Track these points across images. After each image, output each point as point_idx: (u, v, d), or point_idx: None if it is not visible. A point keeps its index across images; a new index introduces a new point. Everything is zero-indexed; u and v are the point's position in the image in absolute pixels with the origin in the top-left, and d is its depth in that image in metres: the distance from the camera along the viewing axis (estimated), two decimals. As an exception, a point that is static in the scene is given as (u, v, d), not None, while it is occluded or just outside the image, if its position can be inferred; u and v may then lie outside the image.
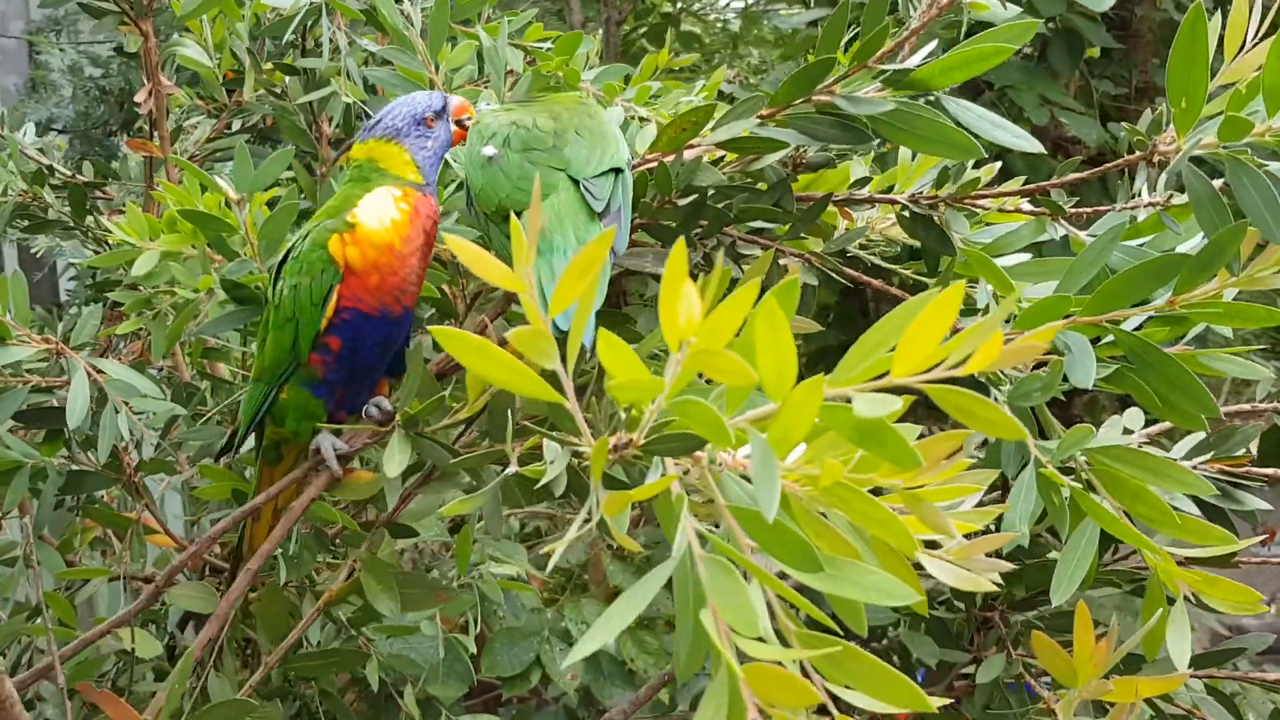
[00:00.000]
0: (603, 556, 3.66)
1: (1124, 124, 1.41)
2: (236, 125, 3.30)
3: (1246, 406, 1.79)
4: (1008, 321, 1.48)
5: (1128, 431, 1.65)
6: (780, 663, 0.86)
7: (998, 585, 1.02)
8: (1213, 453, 1.58)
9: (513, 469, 1.22)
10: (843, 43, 1.44)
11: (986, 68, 1.34)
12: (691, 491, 1.05)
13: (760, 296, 0.88)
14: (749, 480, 1.05)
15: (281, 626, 1.74)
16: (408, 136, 1.62)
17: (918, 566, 1.05)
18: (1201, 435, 1.58)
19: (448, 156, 1.83)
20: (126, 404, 1.94)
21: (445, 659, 3.21)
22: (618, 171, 1.47)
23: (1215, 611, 1.41)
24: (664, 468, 1.03)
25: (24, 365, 2.00)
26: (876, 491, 0.98)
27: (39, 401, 2.03)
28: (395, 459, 1.35)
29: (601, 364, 0.96)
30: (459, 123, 1.68)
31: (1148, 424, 1.67)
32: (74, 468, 2.13)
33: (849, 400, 0.89)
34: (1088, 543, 1.37)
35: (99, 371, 1.93)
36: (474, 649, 2.21)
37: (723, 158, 1.56)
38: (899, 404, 0.82)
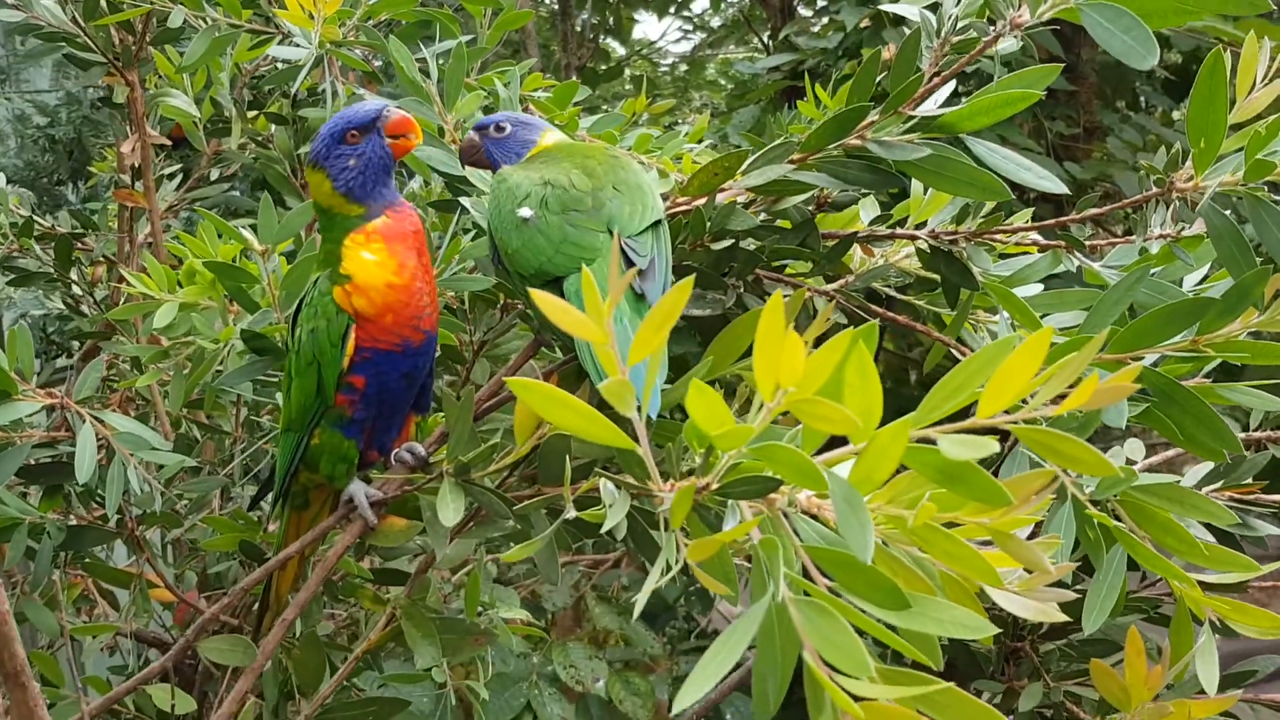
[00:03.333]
0: (588, 599, 3.65)
1: (1141, 161, 1.47)
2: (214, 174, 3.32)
3: (1242, 435, 1.87)
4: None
5: (1130, 462, 1.72)
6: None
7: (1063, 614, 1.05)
8: (1222, 481, 1.64)
9: (570, 513, 1.24)
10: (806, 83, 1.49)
11: (1013, 111, 1.39)
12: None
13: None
14: (819, 520, 1.08)
15: (318, 676, 1.72)
16: (326, 159, 1.56)
17: (982, 597, 1.08)
18: (1210, 464, 1.64)
19: (467, 203, 1.85)
20: (131, 456, 1.93)
21: (439, 708, 3.19)
22: (656, 223, 1.50)
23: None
24: (740, 511, 1.06)
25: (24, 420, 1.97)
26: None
27: (42, 456, 2.01)
28: (449, 507, 1.35)
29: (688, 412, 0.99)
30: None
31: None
32: (72, 523, 2.10)
33: (932, 441, 0.93)
34: (1116, 572, 1.42)
35: (104, 425, 1.91)
36: (485, 695, 2.19)
37: (751, 199, 1.60)
38: (994, 446, 0.85)
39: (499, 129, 1.66)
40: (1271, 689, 1.85)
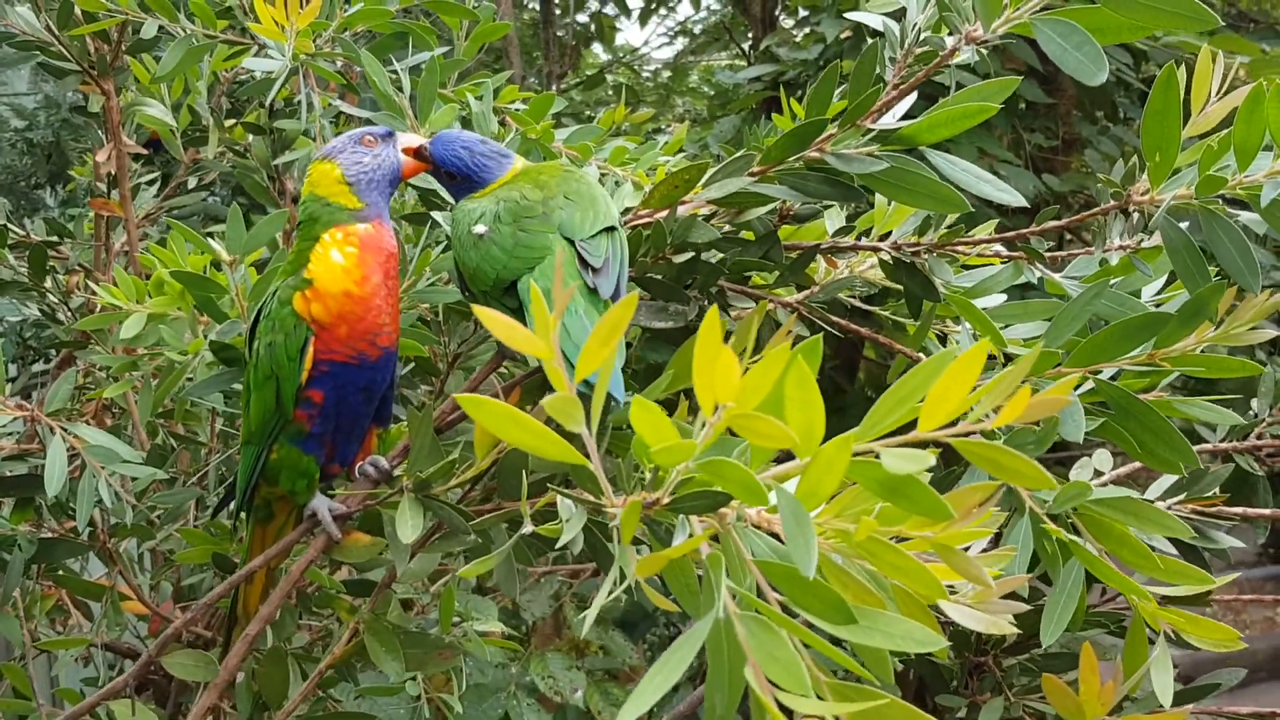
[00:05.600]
0: (567, 609, 3.65)
1: (1099, 176, 1.48)
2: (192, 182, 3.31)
3: (1209, 446, 1.88)
4: (993, 369, 1.54)
5: (1098, 473, 1.72)
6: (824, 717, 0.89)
7: (1015, 627, 1.06)
8: (1185, 493, 1.65)
9: (528, 528, 1.24)
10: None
11: (971, 124, 1.40)
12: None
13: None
14: (771, 534, 1.09)
15: (283, 691, 1.72)
16: (342, 153, 1.61)
17: (936, 610, 1.08)
18: (1174, 477, 1.65)
19: (439, 217, 1.86)
20: (103, 469, 1.92)
21: (412, 719, 3.18)
22: (611, 229, 1.51)
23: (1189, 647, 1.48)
24: (690, 525, 1.06)
25: (-7, 433, 1.97)
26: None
27: (14, 469, 2.00)
28: (409, 523, 1.35)
29: (632, 426, 0.99)
30: (418, 155, 1.67)
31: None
32: (44, 535, 2.09)
33: (875, 455, 0.93)
34: (1074, 585, 1.43)
35: (75, 437, 1.90)
36: (459, 708, 2.19)
37: (715, 212, 1.60)
38: (931, 460, 0.86)
39: (451, 177, 1.67)
40: (1237, 700, 1.86)
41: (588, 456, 1.03)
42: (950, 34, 1.45)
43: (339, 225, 1.58)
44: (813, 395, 0.90)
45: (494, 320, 0.97)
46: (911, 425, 0.96)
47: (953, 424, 0.93)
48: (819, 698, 0.94)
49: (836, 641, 0.97)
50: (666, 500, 1.06)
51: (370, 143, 1.63)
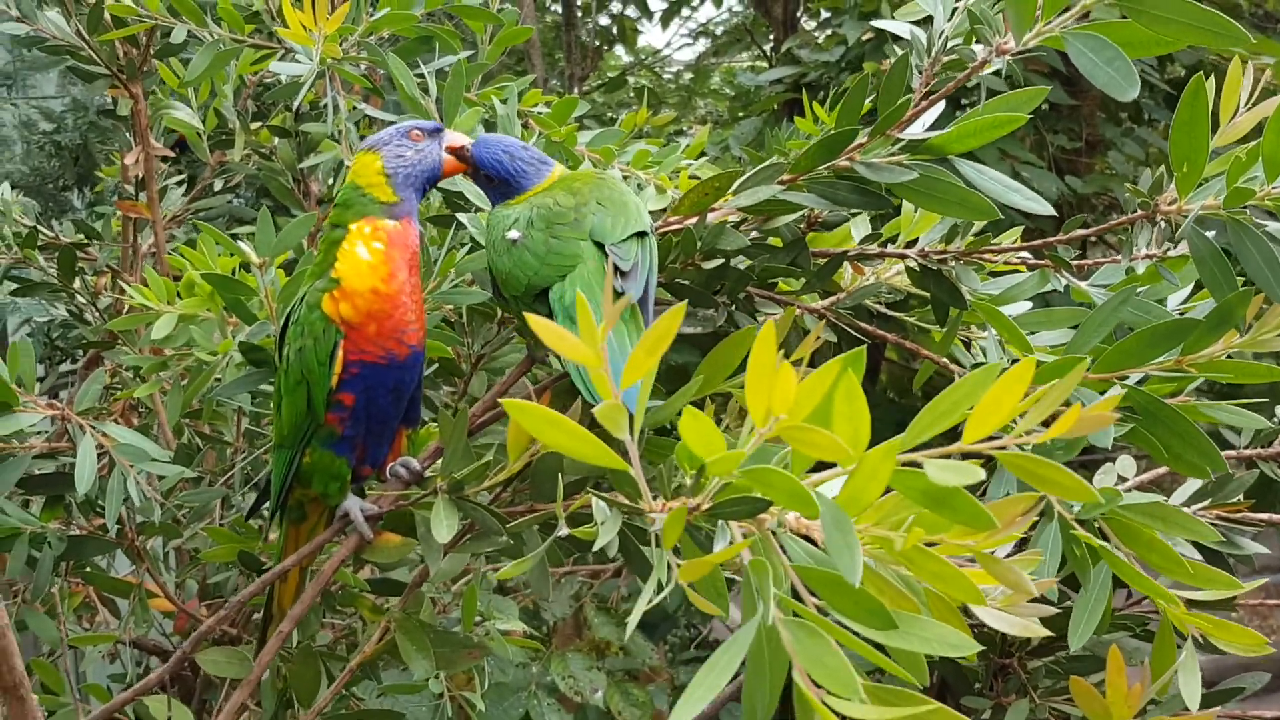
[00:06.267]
0: (588, 609, 3.67)
1: (1126, 184, 1.49)
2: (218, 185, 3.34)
3: (1233, 453, 1.88)
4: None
5: (1122, 479, 1.73)
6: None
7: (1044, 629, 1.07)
8: (1210, 499, 1.65)
9: (563, 531, 1.25)
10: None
11: (1000, 134, 1.41)
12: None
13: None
14: (808, 540, 1.10)
15: (314, 687, 1.74)
16: (387, 145, 1.64)
17: (966, 613, 1.09)
18: (1199, 482, 1.65)
19: (464, 219, 1.87)
20: (131, 467, 1.94)
21: (436, 718, 3.20)
22: (642, 235, 1.52)
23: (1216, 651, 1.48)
24: (731, 531, 1.07)
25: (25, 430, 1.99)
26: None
27: (44, 467, 2.03)
28: (444, 524, 1.37)
29: (679, 434, 1.01)
30: (459, 155, 1.68)
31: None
32: (73, 533, 2.11)
33: (918, 465, 0.94)
34: (1101, 589, 1.43)
35: (104, 436, 1.92)
36: (482, 706, 2.20)
37: (744, 219, 1.62)
38: (980, 474, 0.87)
39: (489, 180, 1.68)
40: (1261, 704, 1.87)
41: (628, 461, 1.04)
42: (978, 43, 1.46)
43: (368, 218, 1.60)
44: (860, 407, 0.92)
45: (542, 326, 0.99)
46: (949, 431, 0.97)
47: (995, 435, 0.94)
48: (859, 701, 0.96)
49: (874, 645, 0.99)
50: (707, 506, 1.07)
51: (417, 137, 1.66)
